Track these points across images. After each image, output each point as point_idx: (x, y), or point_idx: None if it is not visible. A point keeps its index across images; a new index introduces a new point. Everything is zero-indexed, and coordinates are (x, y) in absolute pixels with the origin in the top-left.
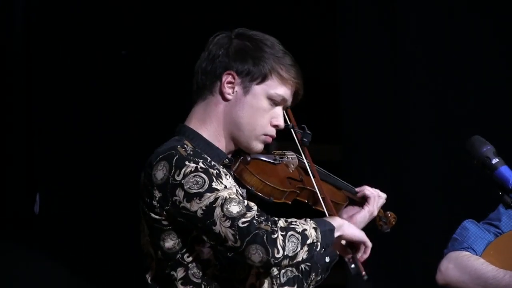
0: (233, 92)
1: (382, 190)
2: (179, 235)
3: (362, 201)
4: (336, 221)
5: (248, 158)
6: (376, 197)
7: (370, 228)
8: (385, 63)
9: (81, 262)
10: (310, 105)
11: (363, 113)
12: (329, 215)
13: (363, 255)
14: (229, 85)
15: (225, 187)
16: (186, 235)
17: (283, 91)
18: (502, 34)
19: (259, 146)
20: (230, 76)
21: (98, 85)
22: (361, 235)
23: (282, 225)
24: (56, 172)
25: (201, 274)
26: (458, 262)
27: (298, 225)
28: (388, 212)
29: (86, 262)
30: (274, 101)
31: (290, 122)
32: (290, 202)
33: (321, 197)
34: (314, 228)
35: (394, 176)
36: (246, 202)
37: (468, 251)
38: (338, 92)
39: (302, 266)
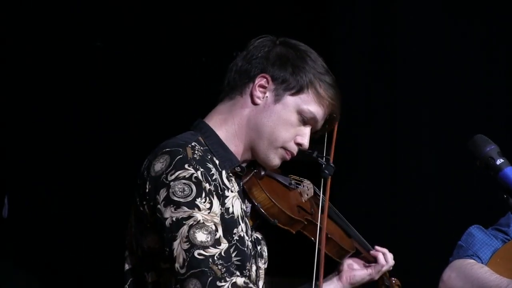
0: (263, 97)
1: (378, 193)
2: (158, 238)
3: (370, 259)
4: None
5: (262, 173)
6: (384, 266)
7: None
8: (382, 61)
9: (51, 267)
10: None
11: (360, 112)
12: (317, 259)
13: None
14: (261, 89)
15: (209, 208)
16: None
17: (316, 109)
18: (503, 33)
19: (276, 161)
20: (264, 80)
21: (71, 78)
22: None
23: (238, 283)
24: (25, 173)
25: (173, 285)
26: (461, 271)
27: None
28: (393, 279)
29: (56, 266)
30: (303, 118)
31: (315, 150)
32: (294, 232)
33: (327, 236)
34: None
35: (392, 179)
36: (218, 235)
37: (473, 259)
38: None
39: None
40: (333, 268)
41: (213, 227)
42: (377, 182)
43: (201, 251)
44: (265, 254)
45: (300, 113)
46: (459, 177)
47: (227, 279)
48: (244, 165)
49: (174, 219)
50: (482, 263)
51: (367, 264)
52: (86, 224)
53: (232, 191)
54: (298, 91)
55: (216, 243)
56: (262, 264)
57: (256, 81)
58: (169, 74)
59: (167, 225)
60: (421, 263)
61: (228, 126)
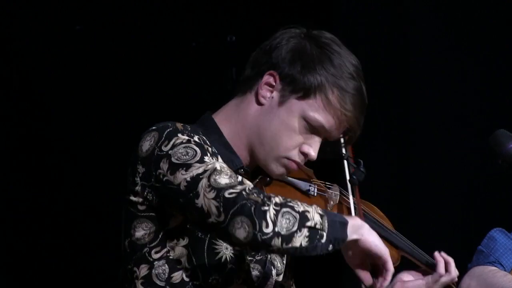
0: (269, 97)
1: (384, 194)
2: (153, 225)
3: (429, 271)
4: (354, 219)
5: (268, 179)
6: (443, 277)
7: None
8: (387, 58)
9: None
10: None
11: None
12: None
13: (382, 281)
14: (268, 87)
15: (217, 161)
16: (160, 226)
17: (324, 118)
18: (508, 32)
19: (279, 170)
20: (272, 78)
21: (50, 64)
22: (383, 250)
23: (278, 201)
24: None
25: (166, 277)
26: (482, 279)
27: (298, 205)
28: None
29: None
30: (310, 125)
31: (346, 151)
32: None
33: None
34: (319, 214)
35: (397, 179)
36: (240, 178)
37: (495, 266)
38: None
39: None
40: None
41: (233, 172)
42: (379, 184)
43: (230, 190)
44: (278, 263)
45: (305, 119)
46: (479, 176)
47: (267, 201)
48: (247, 168)
49: (188, 178)
50: (505, 270)
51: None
52: (80, 224)
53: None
54: (305, 95)
55: (241, 182)
56: (274, 274)
57: (264, 78)
58: (156, 59)
59: (182, 189)
60: None
61: (232, 124)
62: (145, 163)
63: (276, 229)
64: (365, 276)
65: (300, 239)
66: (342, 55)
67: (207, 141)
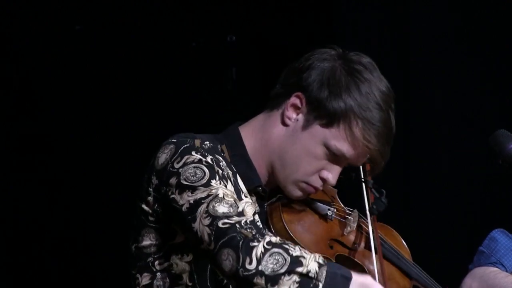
0: (294, 120)
1: (387, 194)
2: (159, 237)
3: None
4: (363, 277)
5: (285, 200)
6: None
7: None
8: (393, 49)
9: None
10: None
11: None
12: None
13: None
14: (294, 109)
15: (224, 187)
16: (166, 240)
17: (346, 148)
18: (508, 32)
19: (296, 193)
20: (299, 101)
21: (50, 64)
22: None
23: (272, 240)
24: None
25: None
26: (483, 280)
27: (294, 249)
28: None
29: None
30: (332, 153)
31: (366, 177)
32: None
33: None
34: (318, 263)
35: (397, 178)
36: (241, 208)
37: (497, 267)
38: None
39: None
40: None
41: (234, 202)
42: (382, 187)
43: (225, 220)
44: None
45: (327, 147)
46: (479, 176)
47: (260, 239)
48: (265, 187)
49: (191, 201)
50: (507, 271)
51: None
52: (80, 224)
53: (246, 197)
54: (329, 123)
55: (240, 214)
56: None
57: (291, 100)
58: (156, 59)
59: (184, 210)
60: (438, 270)
61: (255, 141)
62: (159, 176)
63: (260, 268)
64: None
65: (289, 284)
66: (371, 82)
67: (222, 164)
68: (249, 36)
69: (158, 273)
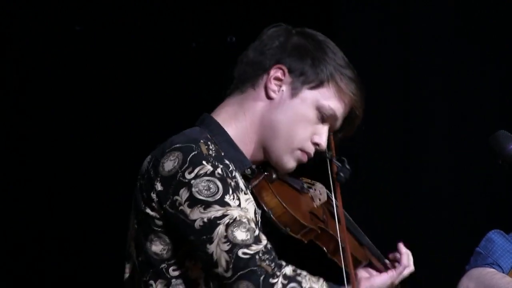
0: (278, 91)
1: (388, 200)
2: (170, 242)
3: (382, 269)
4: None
5: (274, 176)
6: (407, 268)
7: None
8: (393, 48)
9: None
10: None
11: (366, 106)
12: (346, 272)
13: None
14: (277, 81)
15: (239, 205)
16: (179, 245)
17: (336, 105)
18: (508, 32)
19: (291, 163)
20: (280, 72)
21: (49, 64)
22: None
23: (287, 273)
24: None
25: None
26: (480, 281)
27: (306, 281)
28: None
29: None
30: (322, 115)
31: (329, 150)
32: (306, 241)
33: (342, 247)
34: None
35: (398, 179)
36: (257, 232)
37: (493, 268)
38: None
39: None
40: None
41: (251, 224)
42: (383, 190)
43: (245, 250)
44: None
45: (319, 109)
46: (479, 176)
47: (278, 273)
48: (253, 166)
49: (205, 219)
50: (503, 272)
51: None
52: (80, 224)
53: (246, 194)
54: (318, 85)
55: (257, 239)
56: None
57: (271, 73)
58: (156, 59)
59: (197, 227)
60: (438, 270)
61: (238, 122)
62: (165, 182)
63: None
64: None
65: None
66: (331, 44)
67: (230, 171)
68: (249, 36)
69: (173, 280)
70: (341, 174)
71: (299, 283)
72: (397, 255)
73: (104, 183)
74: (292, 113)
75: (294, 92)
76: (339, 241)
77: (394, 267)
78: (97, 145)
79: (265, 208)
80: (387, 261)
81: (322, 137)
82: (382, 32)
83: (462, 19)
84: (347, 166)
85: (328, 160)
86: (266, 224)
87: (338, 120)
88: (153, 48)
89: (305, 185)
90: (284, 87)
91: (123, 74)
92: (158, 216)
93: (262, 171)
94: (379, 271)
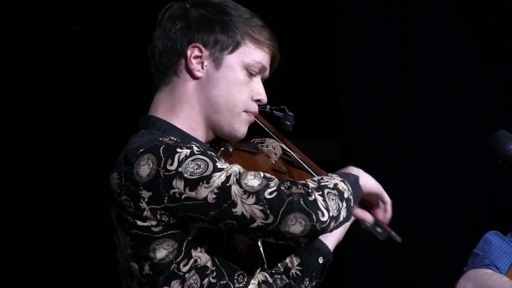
0: (202, 68)
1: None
2: (174, 241)
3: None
4: (353, 170)
5: (231, 149)
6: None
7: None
8: (391, 48)
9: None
10: (304, 95)
11: (364, 105)
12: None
13: (384, 214)
14: (197, 60)
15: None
16: (181, 240)
17: (260, 56)
18: (509, 31)
19: (243, 129)
20: (196, 49)
21: (50, 64)
22: (380, 187)
23: (314, 186)
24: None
25: (198, 285)
26: (477, 282)
27: (327, 182)
28: None
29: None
30: (251, 71)
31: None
32: None
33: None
34: (341, 181)
35: (399, 179)
36: (261, 172)
37: (491, 269)
38: (336, 80)
39: (293, 271)
40: None
41: (250, 170)
42: (388, 188)
43: (268, 190)
44: None
45: (246, 68)
46: (477, 176)
47: (309, 190)
48: (207, 145)
49: (215, 190)
50: (501, 273)
51: None
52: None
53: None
54: (236, 46)
55: (267, 178)
56: None
57: (188, 54)
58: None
59: (211, 201)
60: (438, 270)
61: (178, 112)
62: (151, 186)
63: (331, 214)
64: (365, 215)
65: (343, 213)
66: (235, 5)
67: (204, 147)
68: None
69: (187, 274)
70: (287, 122)
71: (327, 186)
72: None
73: (104, 183)
74: (224, 83)
75: (217, 63)
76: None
77: None
78: (97, 145)
79: None
80: None
81: (260, 92)
82: (383, 33)
83: (463, 19)
84: (289, 113)
85: (266, 112)
86: None
87: (267, 69)
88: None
89: (259, 146)
90: (206, 62)
91: (123, 74)
92: (154, 223)
93: (217, 148)
94: None
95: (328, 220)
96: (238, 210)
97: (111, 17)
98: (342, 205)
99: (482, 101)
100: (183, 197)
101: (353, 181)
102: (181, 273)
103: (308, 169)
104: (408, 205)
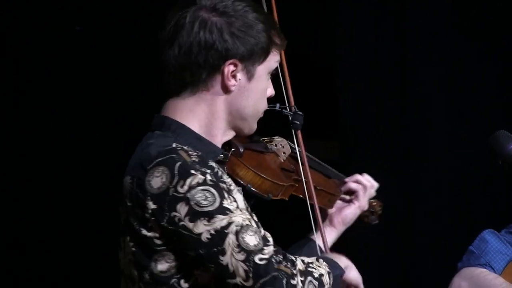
0: (236, 81)
1: (385, 194)
2: (176, 258)
3: (349, 194)
4: (342, 262)
5: (241, 150)
6: (370, 189)
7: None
8: (390, 44)
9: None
10: (302, 93)
11: (361, 102)
12: (320, 208)
13: None
14: (232, 74)
15: (237, 207)
16: (184, 257)
17: (278, 57)
18: (508, 31)
19: (255, 125)
20: (232, 65)
21: (50, 64)
22: (359, 280)
23: (301, 268)
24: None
25: None
26: (472, 281)
27: (315, 269)
28: (372, 200)
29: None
30: (271, 72)
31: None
32: (287, 198)
33: (315, 188)
34: (328, 272)
35: (399, 178)
36: (262, 231)
37: (485, 268)
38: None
39: None
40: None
41: (253, 224)
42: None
43: (260, 255)
44: None
45: (270, 73)
46: (477, 176)
47: (294, 271)
48: (221, 149)
49: (212, 231)
50: (495, 273)
51: (348, 199)
52: (80, 225)
53: (231, 185)
54: (266, 55)
55: (265, 240)
56: None
57: (225, 71)
58: (156, 59)
59: (204, 240)
60: (434, 271)
61: (200, 120)
62: (158, 200)
63: None
64: None
65: None
66: (244, 6)
67: (215, 172)
68: None
69: None
70: (296, 121)
71: (312, 274)
72: (353, 184)
73: (104, 183)
74: (253, 94)
75: (249, 76)
76: (304, 182)
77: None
78: (97, 145)
79: (243, 184)
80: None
81: (272, 89)
82: (379, 29)
83: (460, 15)
84: (299, 112)
85: (276, 111)
86: (249, 198)
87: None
88: (153, 48)
89: (267, 145)
90: (239, 75)
91: (123, 74)
92: (157, 235)
93: (228, 149)
94: (345, 200)
95: None
96: (225, 260)
97: (111, 17)
98: None
99: (479, 97)
100: (180, 224)
101: (337, 277)
102: None
103: (318, 168)
104: (407, 204)
